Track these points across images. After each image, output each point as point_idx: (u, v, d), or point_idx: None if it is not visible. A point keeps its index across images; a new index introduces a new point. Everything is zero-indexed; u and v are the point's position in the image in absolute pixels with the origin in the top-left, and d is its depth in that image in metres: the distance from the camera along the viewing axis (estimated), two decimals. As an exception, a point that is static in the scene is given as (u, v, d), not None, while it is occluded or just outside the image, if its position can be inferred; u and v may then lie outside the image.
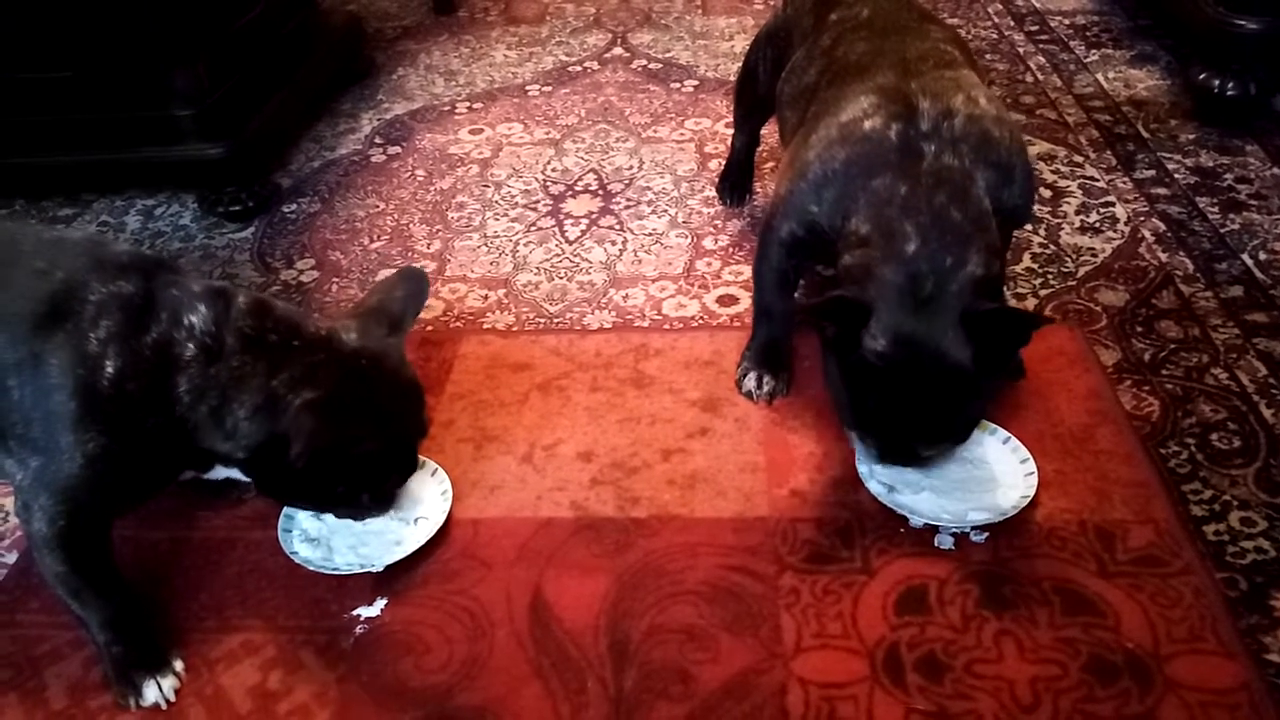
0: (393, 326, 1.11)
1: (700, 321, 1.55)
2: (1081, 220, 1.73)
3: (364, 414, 1.02)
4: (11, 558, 1.21)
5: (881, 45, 1.29)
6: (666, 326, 1.54)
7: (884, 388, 1.09)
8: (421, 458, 1.22)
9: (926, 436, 1.13)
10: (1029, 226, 1.70)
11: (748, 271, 1.47)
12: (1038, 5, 2.63)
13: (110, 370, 0.95)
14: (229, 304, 1.01)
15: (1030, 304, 1.53)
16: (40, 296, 0.96)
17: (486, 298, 1.63)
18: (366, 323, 1.09)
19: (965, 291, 1.08)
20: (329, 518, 1.21)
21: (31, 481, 0.97)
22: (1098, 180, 1.84)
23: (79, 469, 0.96)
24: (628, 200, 1.88)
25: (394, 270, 1.67)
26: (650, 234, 1.77)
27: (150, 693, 1.04)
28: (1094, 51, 2.35)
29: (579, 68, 2.43)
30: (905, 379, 1.08)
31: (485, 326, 1.57)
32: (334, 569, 1.15)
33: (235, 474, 1.08)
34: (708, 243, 1.74)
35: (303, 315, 1.07)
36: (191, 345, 0.98)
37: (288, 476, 1.03)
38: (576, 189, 1.93)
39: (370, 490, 1.09)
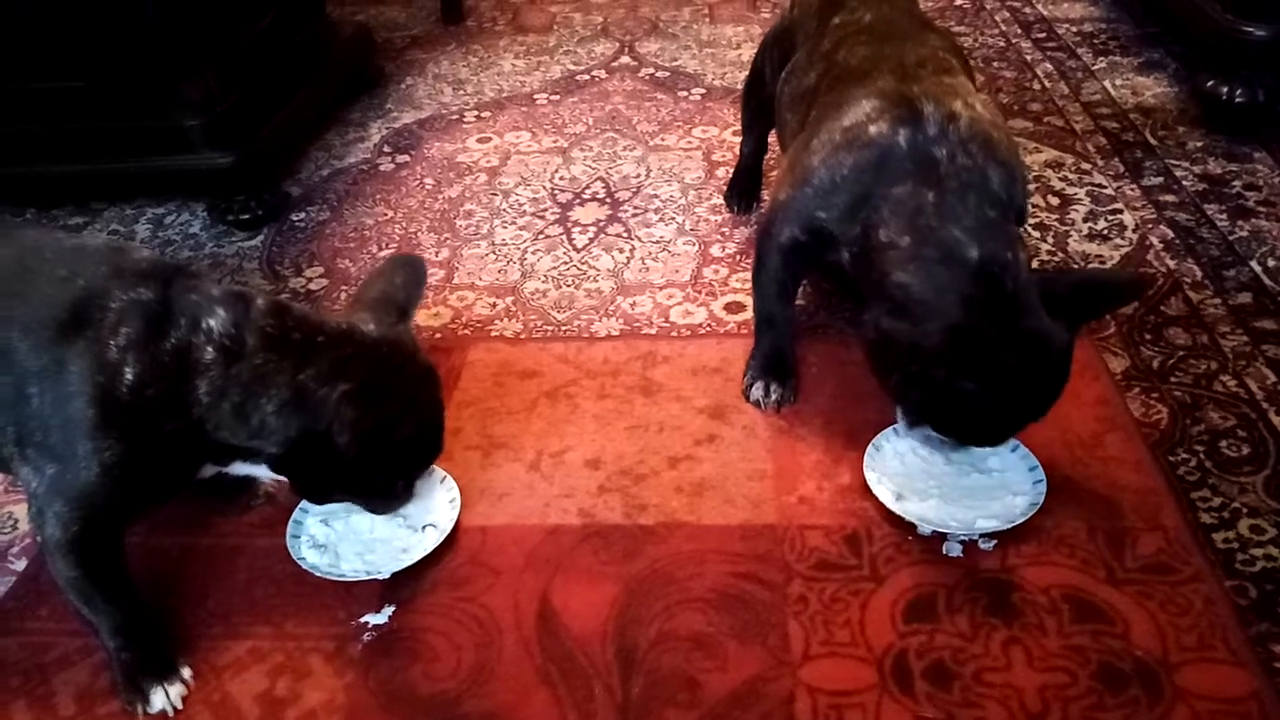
0: (400, 313, 1.13)
1: (708, 329, 1.55)
2: (1089, 227, 1.73)
3: (397, 399, 1.05)
4: (21, 565, 1.22)
5: (881, 50, 1.30)
6: (674, 334, 1.54)
7: (1020, 392, 1.11)
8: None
9: (1041, 415, 1.15)
10: (1036, 233, 1.70)
11: (751, 277, 1.47)
12: (1045, 13, 2.63)
13: (129, 377, 0.96)
14: (248, 306, 1.02)
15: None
16: (62, 304, 0.97)
17: (494, 305, 1.63)
18: (378, 313, 1.11)
19: (1031, 277, 1.12)
20: (337, 524, 1.21)
21: (47, 488, 0.97)
22: (1105, 187, 1.84)
23: (95, 476, 0.96)
24: (635, 208, 1.88)
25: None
26: (658, 242, 1.78)
27: (158, 700, 1.04)
28: (1101, 59, 2.35)
29: (586, 76, 2.44)
30: (1036, 381, 1.10)
31: (493, 334, 1.57)
32: (340, 576, 1.15)
33: (255, 471, 1.08)
34: (715, 250, 1.74)
35: (321, 314, 1.08)
36: (210, 349, 0.99)
37: (330, 470, 1.04)
38: (584, 197, 1.93)
39: (405, 477, 1.11)
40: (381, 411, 1.03)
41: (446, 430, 1.32)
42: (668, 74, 2.42)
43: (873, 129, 1.18)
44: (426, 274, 1.21)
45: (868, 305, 1.20)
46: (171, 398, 0.98)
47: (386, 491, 1.12)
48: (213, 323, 1.00)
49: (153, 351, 0.97)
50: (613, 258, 1.74)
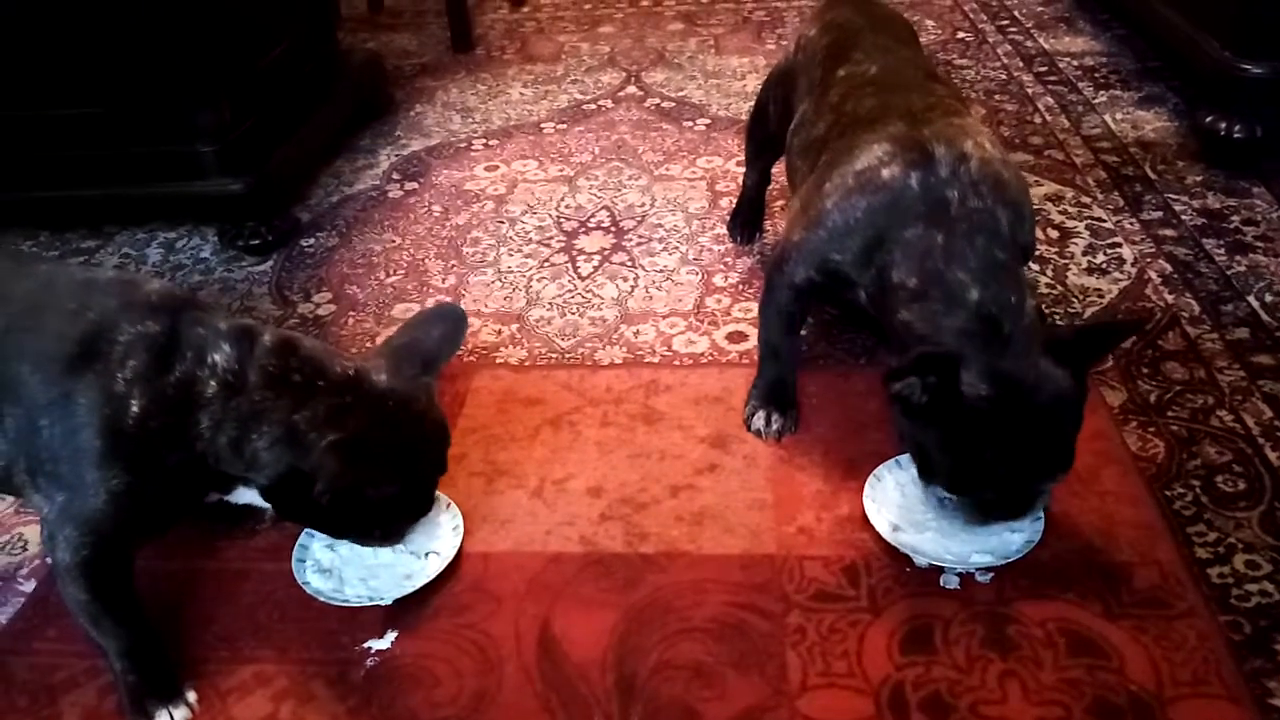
0: (425, 365, 1.11)
1: (710, 358, 1.57)
2: (1088, 261, 1.74)
3: (387, 457, 1.04)
4: (30, 586, 1.23)
5: (889, 100, 1.32)
6: (676, 363, 1.56)
7: (998, 434, 1.08)
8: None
9: (1048, 472, 1.12)
10: (1035, 266, 1.72)
11: (756, 309, 1.49)
12: (1047, 46, 2.66)
13: (135, 410, 0.98)
14: (254, 342, 1.03)
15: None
16: (72, 337, 0.99)
17: (500, 332, 1.66)
18: (398, 362, 1.09)
19: (1036, 323, 1.12)
20: (342, 549, 1.23)
21: (58, 514, 1.00)
22: (1105, 221, 1.86)
23: (103, 504, 0.98)
24: (640, 237, 1.91)
25: (417, 306, 1.71)
26: (661, 271, 1.80)
27: (163, 722, 1.05)
28: (1102, 93, 2.37)
29: (593, 106, 2.47)
30: (1016, 420, 1.07)
31: (498, 361, 1.59)
32: (344, 600, 1.17)
33: (255, 498, 1.10)
34: (718, 280, 1.76)
35: (331, 355, 1.07)
36: (214, 383, 1.01)
37: (306, 508, 1.05)
38: (589, 225, 1.96)
39: (382, 528, 1.12)
40: (365, 469, 1.02)
41: (450, 457, 1.34)
42: (673, 104, 2.45)
43: (885, 172, 1.20)
44: (466, 328, 1.19)
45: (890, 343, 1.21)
46: (175, 430, 1.00)
47: (360, 534, 1.12)
48: (217, 357, 1.01)
49: (158, 385, 0.99)
50: (617, 286, 1.76)
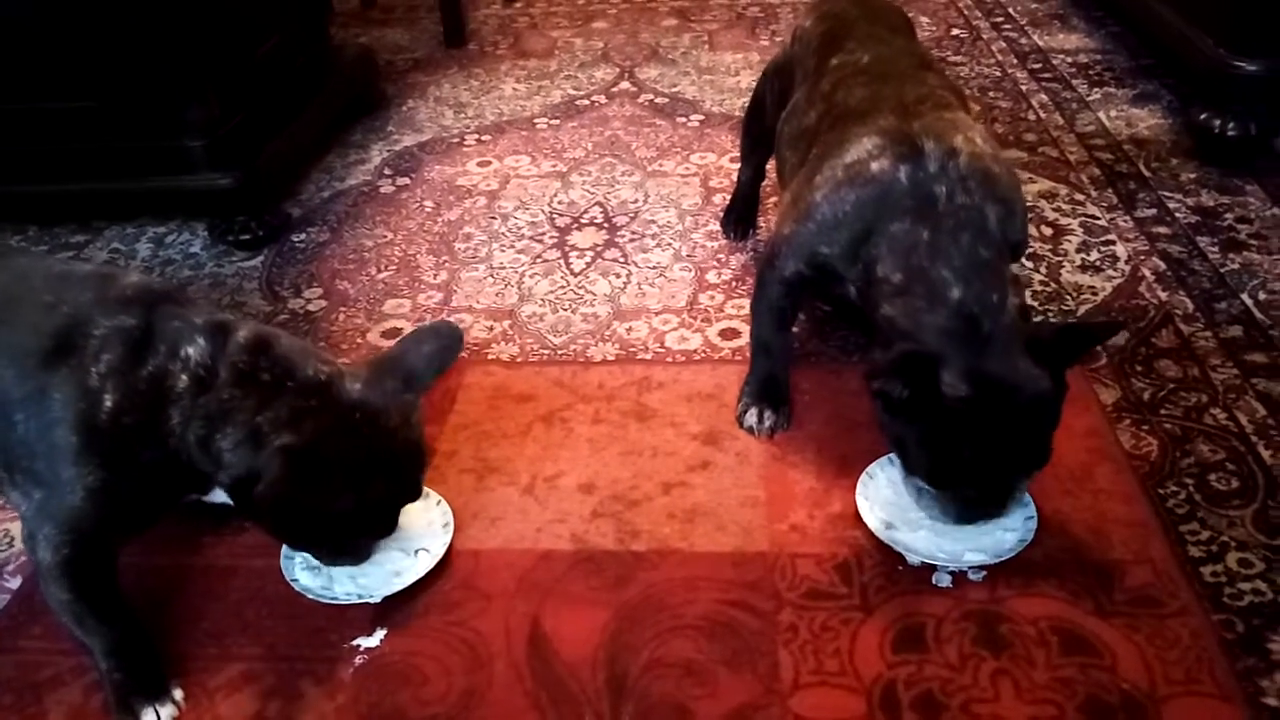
0: (408, 381, 1.07)
1: (702, 355, 1.56)
2: (1082, 258, 1.74)
3: (341, 471, 1.00)
4: (15, 583, 1.22)
5: (880, 90, 1.31)
6: (669, 359, 1.56)
7: (976, 433, 1.09)
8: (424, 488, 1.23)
9: (1024, 469, 1.14)
10: (1029, 264, 1.71)
11: (749, 305, 1.49)
12: (1041, 43, 2.66)
13: (108, 404, 0.96)
14: (227, 337, 1.01)
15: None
16: (47, 331, 0.98)
17: (491, 328, 1.65)
18: (378, 374, 1.06)
19: (1017, 321, 1.11)
20: (330, 547, 1.22)
21: (36, 512, 0.98)
22: (1099, 218, 1.85)
23: (80, 501, 0.97)
24: (632, 233, 1.90)
25: (408, 302, 1.71)
26: (654, 267, 1.79)
27: (149, 721, 1.04)
28: (1096, 90, 2.37)
29: (586, 101, 2.46)
30: (995, 419, 1.08)
31: (490, 357, 1.58)
32: (332, 598, 1.16)
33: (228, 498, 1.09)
34: (711, 276, 1.76)
35: (306, 356, 1.04)
36: (185, 378, 0.99)
37: (259, 511, 1.02)
38: (582, 221, 1.95)
39: (333, 544, 1.08)
40: (310, 480, 0.98)
41: (441, 453, 1.33)
42: (667, 100, 2.44)
43: (874, 166, 1.20)
44: (460, 347, 1.14)
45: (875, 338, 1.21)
46: (147, 425, 0.98)
47: (311, 549, 1.10)
48: (191, 351, 0.99)
49: (130, 379, 0.97)
50: (609, 282, 1.75)
